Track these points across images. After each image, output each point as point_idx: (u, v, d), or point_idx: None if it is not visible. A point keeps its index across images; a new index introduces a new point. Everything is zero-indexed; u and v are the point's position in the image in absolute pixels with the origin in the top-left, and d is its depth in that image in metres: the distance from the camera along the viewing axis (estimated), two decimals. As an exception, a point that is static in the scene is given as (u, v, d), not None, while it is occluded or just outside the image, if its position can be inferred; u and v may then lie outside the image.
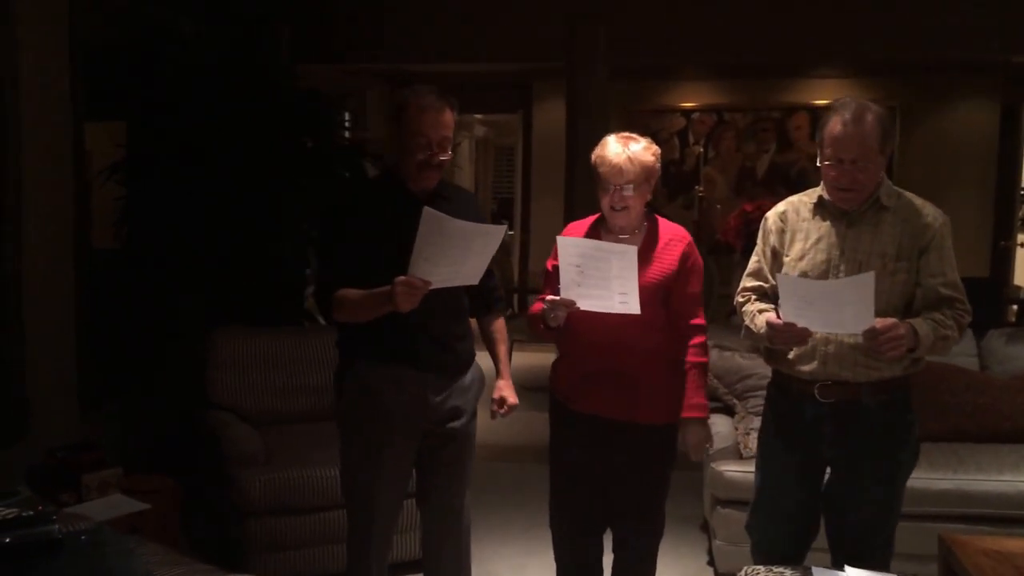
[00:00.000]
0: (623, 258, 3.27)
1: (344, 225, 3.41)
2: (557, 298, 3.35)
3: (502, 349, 3.72)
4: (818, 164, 3.27)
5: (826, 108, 3.26)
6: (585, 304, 3.33)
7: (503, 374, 3.69)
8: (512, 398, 3.64)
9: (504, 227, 3.21)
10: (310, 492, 4.45)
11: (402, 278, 3.06)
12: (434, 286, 3.11)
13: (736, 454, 4.67)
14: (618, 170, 3.41)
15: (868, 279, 2.96)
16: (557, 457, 3.74)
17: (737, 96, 10.46)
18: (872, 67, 9.79)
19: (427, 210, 2.99)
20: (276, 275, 5.71)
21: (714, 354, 5.05)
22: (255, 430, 4.80)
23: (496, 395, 3.65)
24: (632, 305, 3.29)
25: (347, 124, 7.41)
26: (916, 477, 4.30)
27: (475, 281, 3.25)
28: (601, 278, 3.28)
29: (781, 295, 3.16)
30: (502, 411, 3.65)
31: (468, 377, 3.60)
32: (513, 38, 7.14)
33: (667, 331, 3.52)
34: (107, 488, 4.35)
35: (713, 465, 4.63)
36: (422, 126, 3.28)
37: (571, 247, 3.35)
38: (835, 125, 3.16)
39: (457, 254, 3.10)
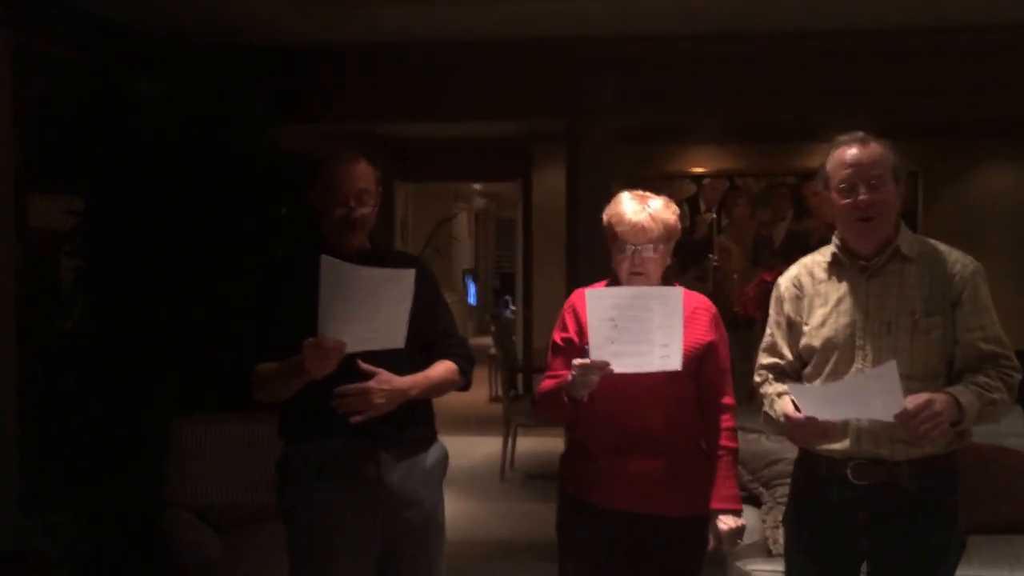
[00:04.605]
0: (667, 302, 3.00)
1: (263, 296, 3.28)
2: (587, 361, 3.00)
3: (431, 371, 3.25)
4: (827, 192, 3.06)
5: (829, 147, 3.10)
6: (621, 365, 3.00)
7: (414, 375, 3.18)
8: (366, 383, 3.03)
9: (413, 272, 2.98)
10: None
11: (311, 340, 2.89)
12: (351, 349, 2.94)
13: (764, 551, 4.37)
14: (640, 229, 3.14)
15: (891, 369, 2.71)
16: (571, 565, 3.35)
17: (749, 161, 10.27)
18: (890, 130, 9.39)
19: (324, 258, 2.87)
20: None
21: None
22: (216, 532, 4.43)
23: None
24: (674, 359, 3.01)
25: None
26: (968, 574, 3.90)
27: (400, 344, 3.00)
28: (641, 330, 2.99)
29: (799, 404, 2.93)
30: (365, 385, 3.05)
31: (430, 458, 3.31)
32: (509, 95, 6.76)
33: (695, 407, 3.28)
34: (44, 604, 3.99)
35: (738, 564, 4.30)
36: (334, 179, 3.16)
37: (604, 299, 3.03)
38: (842, 153, 3.01)
39: (367, 307, 2.92)
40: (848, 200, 2.97)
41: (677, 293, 3.02)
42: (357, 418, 3.01)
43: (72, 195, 5.24)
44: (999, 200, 9.83)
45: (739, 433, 4.56)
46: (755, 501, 4.60)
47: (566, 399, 3.13)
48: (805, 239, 9.90)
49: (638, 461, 3.18)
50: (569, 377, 3.07)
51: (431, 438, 3.34)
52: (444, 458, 3.37)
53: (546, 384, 3.27)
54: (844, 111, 7.22)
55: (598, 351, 2.99)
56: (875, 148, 2.98)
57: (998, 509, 4.44)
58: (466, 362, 3.37)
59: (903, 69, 6.34)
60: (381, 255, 3.27)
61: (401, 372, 3.12)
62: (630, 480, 3.18)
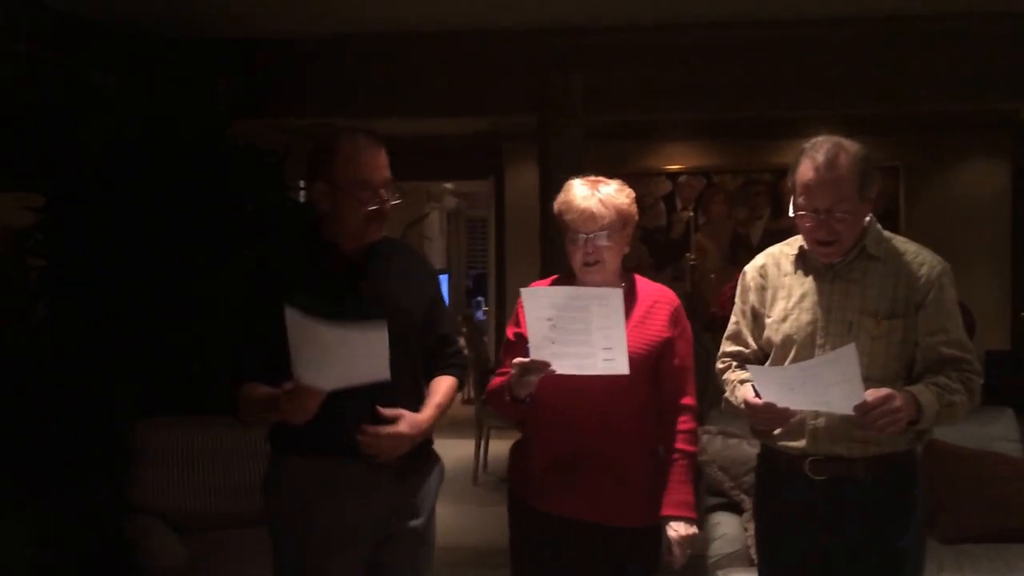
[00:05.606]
0: (606, 303, 2.85)
1: (264, 302, 2.92)
2: (527, 360, 2.91)
3: (433, 399, 3.11)
4: (790, 214, 2.98)
5: (798, 150, 3.00)
6: (562, 365, 2.90)
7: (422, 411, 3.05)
8: (398, 428, 2.93)
9: (384, 324, 2.68)
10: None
11: (288, 387, 2.73)
12: (331, 388, 2.74)
13: (746, 559, 4.23)
14: (589, 215, 3.02)
15: (849, 352, 2.67)
16: (520, 569, 3.26)
17: (726, 157, 10.14)
18: (871, 125, 9.39)
19: (289, 313, 2.65)
20: (215, 356, 5.11)
21: (718, 442, 4.66)
22: (181, 538, 4.37)
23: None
24: (619, 364, 2.89)
25: (302, 187, 6.92)
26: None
27: (384, 377, 2.74)
28: (580, 331, 2.86)
29: (758, 387, 2.90)
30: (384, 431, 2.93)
31: (427, 473, 3.16)
32: (480, 90, 6.61)
33: (654, 412, 3.14)
34: (-2, 614, 3.86)
35: (720, 574, 4.22)
36: (363, 172, 2.95)
37: (540, 298, 2.92)
38: (806, 170, 2.90)
39: (341, 357, 2.70)
40: (806, 224, 2.93)
41: (616, 294, 2.87)
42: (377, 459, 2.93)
43: (32, 192, 5.12)
44: (982, 196, 9.75)
45: (720, 438, 4.52)
46: (736, 508, 4.53)
47: (508, 397, 3.03)
48: (783, 237, 9.78)
49: (584, 467, 3.07)
50: (511, 375, 2.98)
51: (429, 452, 3.20)
52: (441, 472, 3.23)
53: (494, 381, 3.17)
54: (824, 106, 7.17)
55: (537, 351, 2.90)
56: (838, 169, 2.85)
57: (990, 517, 4.42)
58: (462, 371, 3.27)
59: (886, 61, 6.25)
60: (384, 247, 3.11)
61: (404, 383, 2.98)
62: (574, 486, 3.08)
